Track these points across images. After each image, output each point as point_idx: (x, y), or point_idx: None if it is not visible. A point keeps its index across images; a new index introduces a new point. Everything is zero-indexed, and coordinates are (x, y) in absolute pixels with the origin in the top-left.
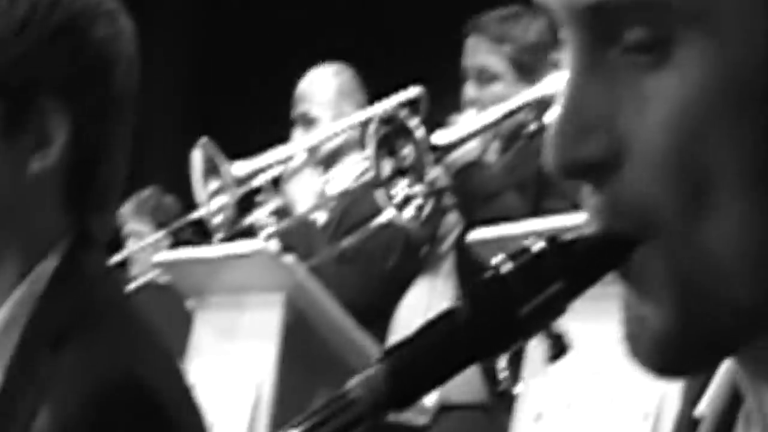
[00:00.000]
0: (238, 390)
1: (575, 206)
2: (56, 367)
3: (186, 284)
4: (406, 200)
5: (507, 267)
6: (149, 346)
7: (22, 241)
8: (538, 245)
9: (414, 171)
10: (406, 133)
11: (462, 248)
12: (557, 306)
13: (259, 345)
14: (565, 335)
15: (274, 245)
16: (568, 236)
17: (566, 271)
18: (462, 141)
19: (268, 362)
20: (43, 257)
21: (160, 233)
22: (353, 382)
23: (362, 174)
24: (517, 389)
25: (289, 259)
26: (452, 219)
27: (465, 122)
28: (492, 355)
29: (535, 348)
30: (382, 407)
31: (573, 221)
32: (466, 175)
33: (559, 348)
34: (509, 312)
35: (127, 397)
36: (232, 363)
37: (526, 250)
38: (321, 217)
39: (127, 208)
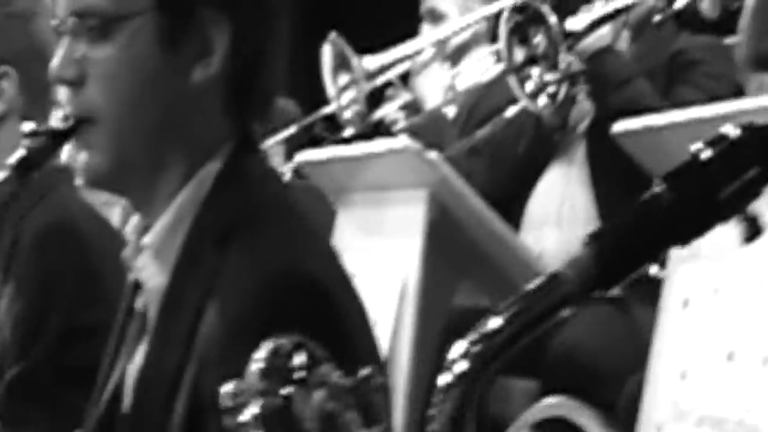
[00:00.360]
0: (383, 286)
1: (710, 96)
2: (222, 265)
3: (327, 183)
4: (539, 88)
5: (706, 154)
6: (313, 240)
7: (186, 147)
8: (735, 132)
9: (546, 58)
10: (539, 21)
11: (595, 135)
12: (754, 190)
13: (403, 241)
14: (760, 218)
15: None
16: (764, 124)
17: (762, 156)
18: (593, 28)
19: (412, 258)
20: (206, 161)
21: (286, 132)
22: (562, 265)
23: (491, 67)
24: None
25: (433, 155)
26: (584, 106)
27: (596, 9)
28: (692, 236)
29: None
30: (590, 287)
31: (710, 112)
32: (598, 61)
33: (753, 230)
34: (709, 196)
35: (297, 288)
36: (377, 260)
37: (723, 137)
38: (450, 111)
39: None
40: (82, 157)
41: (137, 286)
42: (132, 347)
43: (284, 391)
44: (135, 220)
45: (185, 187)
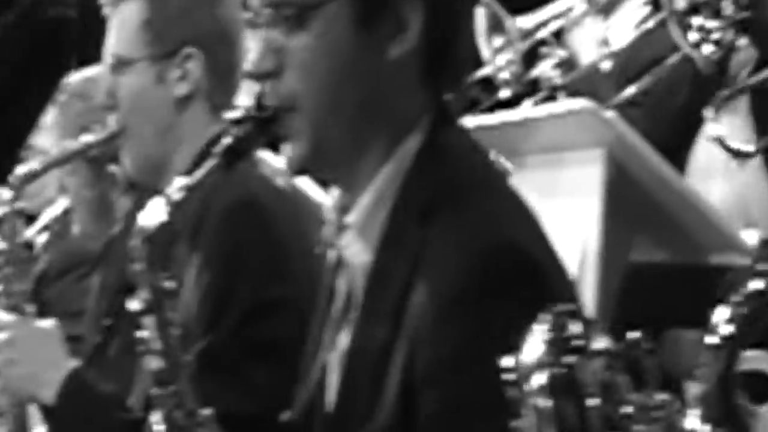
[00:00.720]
0: (563, 248)
1: None
2: (427, 240)
3: (501, 146)
4: (702, 36)
5: None
6: (519, 212)
7: (386, 124)
8: None
9: (708, 6)
10: None
11: (758, 86)
12: None
13: (581, 201)
14: None
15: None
16: None
17: None
18: None
19: (591, 218)
20: (406, 136)
21: None
22: None
23: (644, 19)
24: None
25: (610, 113)
26: (743, 56)
27: None
28: None
29: None
30: None
31: None
32: (761, 7)
33: None
34: None
35: (508, 261)
36: (554, 221)
37: None
38: (605, 65)
39: None
40: (287, 147)
41: (339, 265)
42: (337, 326)
43: (567, 359)
44: (334, 197)
45: (386, 163)
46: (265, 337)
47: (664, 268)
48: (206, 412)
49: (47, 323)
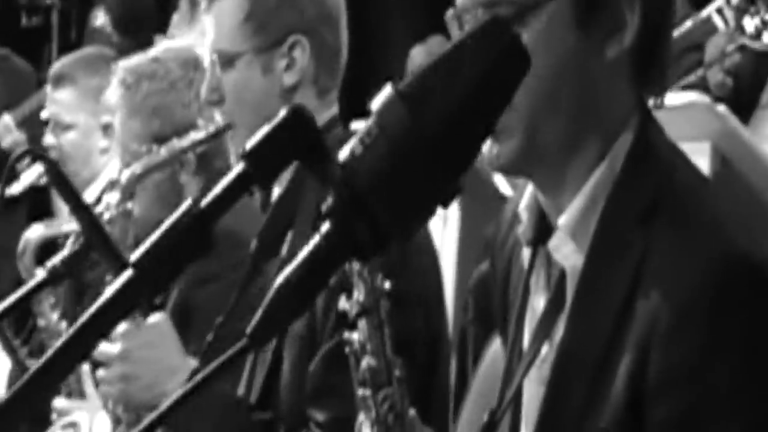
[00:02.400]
0: None
1: None
2: (650, 244)
3: None
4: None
5: None
6: (743, 219)
7: (599, 124)
8: None
9: None
10: None
11: None
12: None
13: None
14: None
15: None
16: None
17: None
18: None
19: None
20: (617, 137)
21: None
22: None
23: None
24: None
25: (722, 108)
26: None
27: None
28: None
29: None
30: None
31: None
32: None
33: None
34: None
35: (744, 272)
36: None
37: None
38: None
39: None
40: (494, 145)
41: (533, 266)
42: (540, 329)
43: None
44: (526, 197)
45: (599, 165)
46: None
47: None
48: (412, 413)
49: (157, 319)
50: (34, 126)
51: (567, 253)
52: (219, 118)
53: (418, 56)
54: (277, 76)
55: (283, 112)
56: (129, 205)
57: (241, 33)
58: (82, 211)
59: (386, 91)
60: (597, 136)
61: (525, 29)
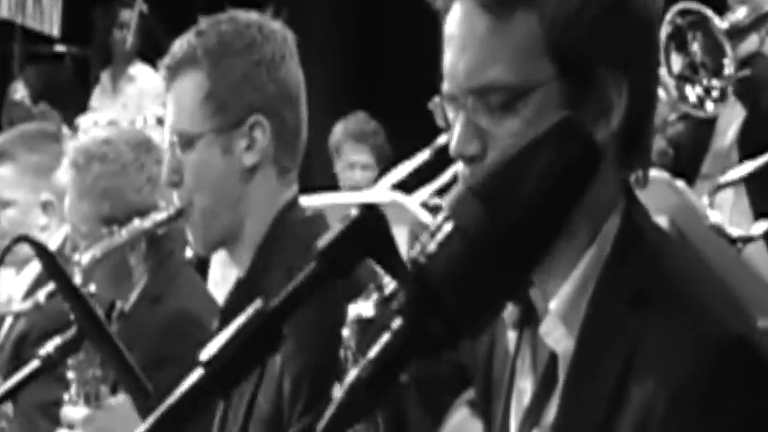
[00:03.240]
0: None
1: None
2: (642, 327)
3: None
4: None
5: None
6: (737, 303)
7: (588, 208)
8: None
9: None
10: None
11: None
12: None
13: None
14: None
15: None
16: None
17: None
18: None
19: None
20: (605, 220)
21: None
22: None
23: None
24: None
25: (680, 183)
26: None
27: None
28: None
29: None
30: None
31: None
32: (750, 65)
33: None
34: None
35: (740, 357)
36: None
37: None
38: None
39: None
40: None
41: (519, 349)
42: (537, 410)
43: None
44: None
45: (588, 250)
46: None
47: None
48: None
49: (119, 400)
50: None
51: (558, 337)
52: (176, 199)
53: (339, 133)
54: (237, 156)
55: (354, 212)
56: (91, 288)
57: (201, 113)
58: (76, 299)
59: (458, 188)
60: (586, 221)
61: (515, 115)
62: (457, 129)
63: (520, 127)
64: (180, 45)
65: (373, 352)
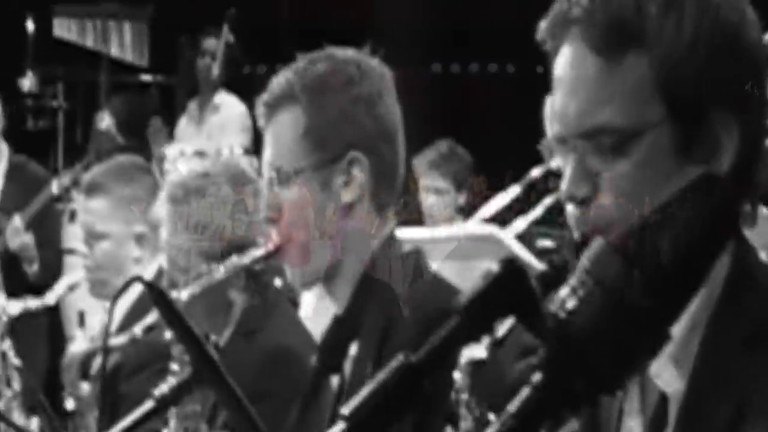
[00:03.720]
0: None
1: None
2: (755, 372)
3: None
4: None
5: None
6: None
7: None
8: None
9: None
10: None
11: None
12: None
13: None
14: None
15: None
16: None
17: None
18: None
19: None
20: (716, 261)
21: None
22: None
23: None
24: None
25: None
26: None
27: None
28: None
29: None
30: None
31: None
32: None
33: None
34: None
35: None
36: None
37: None
38: None
39: None
40: None
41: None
42: None
43: None
44: None
45: (699, 290)
46: None
47: None
48: None
49: None
50: (42, 228)
51: (668, 379)
52: (274, 235)
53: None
54: (335, 192)
55: (497, 268)
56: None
57: (299, 149)
58: (191, 341)
59: (598, 244)
60: None
61: (626, 157)
62: (568, 171)
63: (631, 169)
64: (278, 82)
65: (513, 406)
